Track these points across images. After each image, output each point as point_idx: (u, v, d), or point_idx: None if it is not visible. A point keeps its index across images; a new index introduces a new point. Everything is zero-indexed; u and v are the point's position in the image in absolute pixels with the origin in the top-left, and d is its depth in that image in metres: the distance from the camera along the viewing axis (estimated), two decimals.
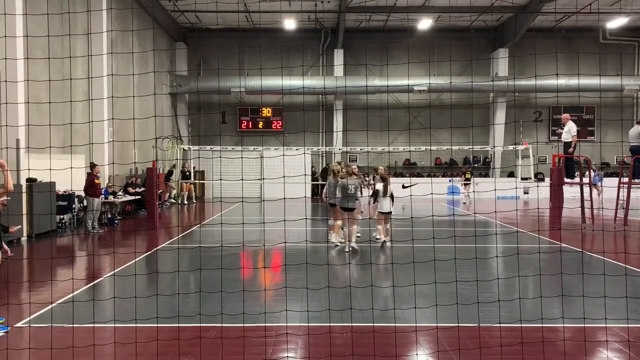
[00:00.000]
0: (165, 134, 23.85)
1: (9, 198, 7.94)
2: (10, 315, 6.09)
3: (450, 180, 25.51)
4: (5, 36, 9.83)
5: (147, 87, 21.35)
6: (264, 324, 5.61)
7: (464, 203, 22.05)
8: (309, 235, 12.91)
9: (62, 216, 14.09)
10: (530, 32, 25.10)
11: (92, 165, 13.57)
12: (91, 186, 13.49)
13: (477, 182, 24.01)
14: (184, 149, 24.06)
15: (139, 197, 17.57)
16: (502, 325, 5.69)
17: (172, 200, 21.81)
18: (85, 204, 14.87)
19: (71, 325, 5.62)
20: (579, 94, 24.79)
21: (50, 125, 12.83)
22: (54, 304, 6.62)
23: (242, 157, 19.80)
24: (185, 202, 22.31)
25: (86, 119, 15.75)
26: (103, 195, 14.78)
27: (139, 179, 18.66)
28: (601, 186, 18.51)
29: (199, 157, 23.60)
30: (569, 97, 26.25)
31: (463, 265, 8.75)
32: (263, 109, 27.51)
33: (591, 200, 13.73)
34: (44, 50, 13.56)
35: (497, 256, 9.22)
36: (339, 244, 11.07)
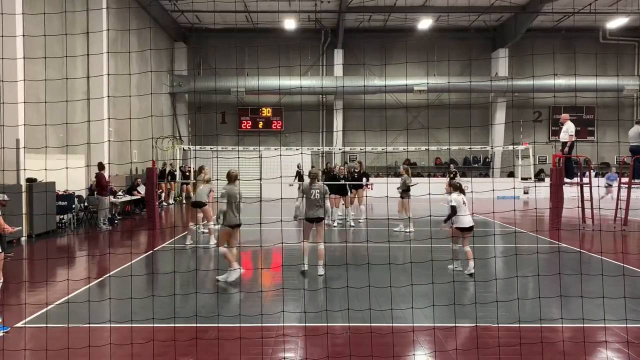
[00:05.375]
0: (165, 134, 23.83)
1: (9, 199, 7.94)
2: (11, 315, 6.09)
3: None
4: (2, 35, 9.82)
5: (147, 87, 21.35)
6: (261, 324, 5.61)
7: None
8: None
9: (62, 216, 14.09)
10: (530, 32, 25.09)
11: (101, 166, 13.68)
12: (100, 186, 13.69)
13: (475, 182, 23.93)
14: (184, 149, 24.05)
15: (140, 196, 17.60)
16: (500, 325, 5.68)
17: (165, 204, 21.66)
18: (86, 203, 14.90)
19: (72, 325, 5.61)
20: (576, 95, 24.77)
21: (47, 125, 12.82)
22: (52, 305, 6.63)
23: (239, 157, 19.74)
24: (171, 202, 22.28)
25: (86, 119, 15.76)
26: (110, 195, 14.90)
27: (139, 179, 18.65)
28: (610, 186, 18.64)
29: (195, 157, 23.53)
30: (569, 97, 26.24)
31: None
32: (263, 109, 27.50)
33: (591, 200, 13.72)
34: (44, 50, 13.56)
35: (495, 256, 9.22)
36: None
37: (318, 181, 8.65)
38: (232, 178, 8.15)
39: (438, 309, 6.05)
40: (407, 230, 12.83)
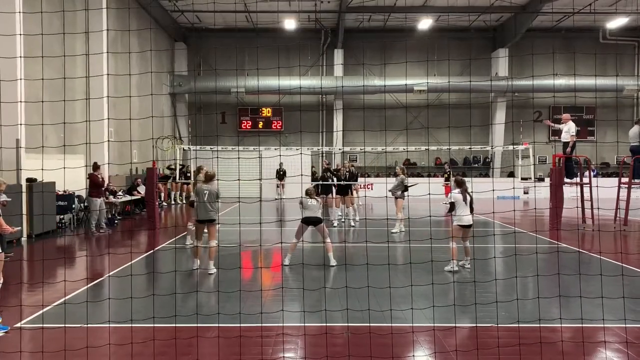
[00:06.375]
0: (165, 134, 23.83)
1: (9, 199, 7.94)
2: (10, 315, 6.09)
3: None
4: (1, 35, 9.82)
5: (147, 87, 21.34)
6: (261, 324, 5.61)
7: None
8: (306, 236, 12.88)
9: (62, 216, 14.09)
10: (530, 32, 25.09)
11: (96, 167, 13.53)
12: (94, 187, 13.47)
13: (476, 182, 23.91)
14: (184, 149, 24.04)
15: (140, 197, 17.59)
16: (500, 325, 5.69)
17: (164, 204, 21.64)
18: (86, 204, 14.89)
19: (71, 325, 5.62)
20: (575, 95, 24.74)
21: (46, 124, 12.81)
22: (51, 305, 6.63)
23: (238, 157, 19.77)
24: (181, 202, 22.31)
25: (86, 119, 15.75)
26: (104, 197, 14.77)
27: (139, 179, 18.65)
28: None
29: (195, 157, 23.54)
30: (569, 97, 26.24)
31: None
32: (263, 109, 27.50)
33: (591, 200, 13.72)
34: (44, 50, 13.54)
35: (495, 257, 9.22)
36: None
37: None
38: (207, 178, 8.90)
39: (438, 309, 6.05)
40: (400, 230, 12.85)
